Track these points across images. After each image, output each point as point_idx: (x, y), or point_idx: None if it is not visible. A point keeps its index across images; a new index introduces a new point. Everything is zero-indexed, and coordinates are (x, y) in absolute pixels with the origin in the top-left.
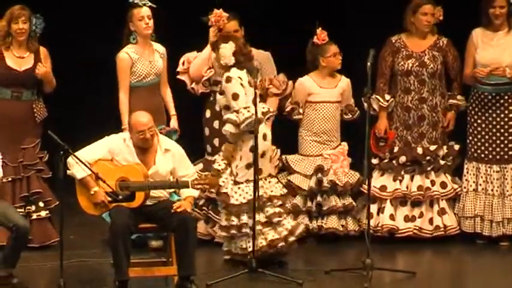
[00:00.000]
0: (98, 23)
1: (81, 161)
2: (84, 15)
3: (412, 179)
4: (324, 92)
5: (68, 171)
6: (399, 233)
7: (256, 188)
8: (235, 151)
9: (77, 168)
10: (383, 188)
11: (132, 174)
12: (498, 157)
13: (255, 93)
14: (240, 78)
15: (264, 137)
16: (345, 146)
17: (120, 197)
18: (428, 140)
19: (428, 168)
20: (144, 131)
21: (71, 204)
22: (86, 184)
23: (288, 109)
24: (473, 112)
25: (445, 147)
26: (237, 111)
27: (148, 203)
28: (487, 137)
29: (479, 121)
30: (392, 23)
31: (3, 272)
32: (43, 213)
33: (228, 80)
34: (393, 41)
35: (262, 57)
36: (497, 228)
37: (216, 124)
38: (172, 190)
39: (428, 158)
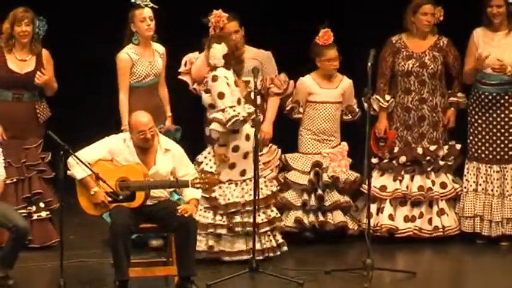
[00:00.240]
0: (98, 23)
1: (81, 161)
2: (84, 15)
3: (412, 179)
4: (324, 92)
5: (68, 172)
6: (399, 233)
7: (256, 187)
8: (227, 152)
9: (77, 168)
10: (383, 188)
11: (132, 174)
12: (498, 157)
13: (254, 92)
14: (226, 78)
15: (247, 137)
16: (344, 146)
17: (121, 197)
18: (428, 140)
19: (428, 169)
20: (144, 131)
21: (71, 204)
22: (86, 184)
23: (288, 108)
24: (473, 112)
25: (445, 147)
26: (222, 110)
27: (148, 203)
28: (487, 137)
29: (479, 121)
30: (392, 23)
31: (0, 272)
32: (44, 214)
33: (214, 79)
34: (393, 41)
35: (263, 56)
36: (497, 228)
37: None
38: (172, 190)
39: (428, 158)
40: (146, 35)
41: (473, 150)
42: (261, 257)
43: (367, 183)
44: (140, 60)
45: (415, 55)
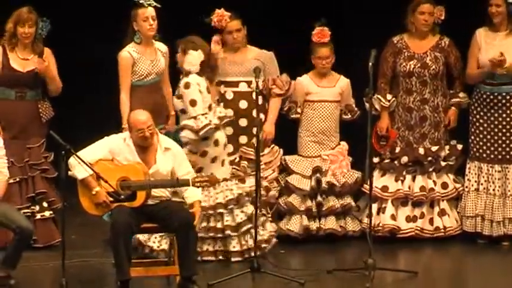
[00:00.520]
0: (97, 23)
1: (83, 161)
2: (83, 14)
3: (413, 179)
4: (322, 91)
5: (69, 172)
6: (401, 233)
7: (258, 187)
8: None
9: (78, 168)
10: (384, 188)
11: (132, 174)
12: (500, 157)
13: (256, 92)
14: (198, 85)
15: (216, 143)
16: (344, 145)
17: (122, 196)
18: (430, 141)
19: (430, 169)
20: (143, 129)
21: (72, 204)
22: (88, 184)
23: (285, 108)
24: (475, 112)
25: (447, 147)
26: (194, 118)
27: (150, 202)
28: (489, 136)
29: (481, 121)
30: (390, 23)
31: (2, 272)
32: (47, 213)
33: (187, 86)
34: (395, 41)
35: (265, 57)
36: (498, 228)
37: None
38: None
39: (429, 158)
40: (148, 35)
41: (475, 149)
42: (239, 258)
43: (368, 183)
44: (142, 58)
45: (416, 56)
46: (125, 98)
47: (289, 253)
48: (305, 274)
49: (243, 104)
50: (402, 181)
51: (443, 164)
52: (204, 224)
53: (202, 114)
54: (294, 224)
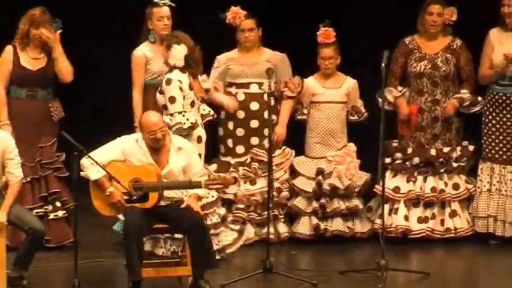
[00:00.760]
0: (95, 24)
1: (95, 162)
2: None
3: (425, 180)
4: (328, 92)
5: (81, 173)
6: (413, 234)
7: (271, 188)
8: None
9: (91, 169)
10: (396, 189)
11: (145, 175)
12: None
13: (268, 94)
14: (180, 82)
15: (199, 139)
16: (351, 146)
17: (134, 197)
18: (441, 142)
19: (441, 170)
20: (154, 131)
21: (85, 204)
22: (101, 185)
23: (292, 110)
24: (487, 112)
25: (458, 148)
26: (171, 115)
27: (162, 203)
28: (501, 137)
29: (493, 121)
30: (387, 24)
31: (15, 273)
32: (60, 213)
33: (168, 82)
34: (406, 42)
35: (277, 58)
36: (510, 229)
37: (230, 125)
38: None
39: (441, 159)
40: (163, 34)
41: (487, 150)
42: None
43: (380, 183)
44: (155, 57)
45: (427, 57)
46: (137, 97)
47: (300, 254)
48: (317, 275)
49: (254, 106)
50: (414, 182)
51: (454, 165)
52: None
53: (179, 112)
54: (303, 226)
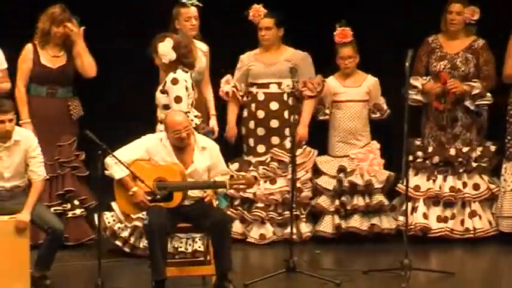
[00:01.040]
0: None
1: (119, 161)
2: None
3: (445, 179)
4: (348, 90)
5: (105, 172)
6: (432, 233)
7: (294, 187)
8: None
9: (115, 168)
10: (417, 187)
11: (169, 175)
12: None
13: (287, 94)
14: (185, 81)
15: None
16: (374, 144)
17: (158, 196)
18: (461, 142)
19: (460, 170)
20: (179, 130)
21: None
22: (125, 184)
23: (313, 110)
24: None
25: (480, 148)
26: None
27: (186, 203)
28: None
29: None
30: (392, 24)
31: (37, 273)
32: (78, 211)
33: (175, 81)
34: (429, 41)
35: (297, 58)
36: None
37: (251, 124)
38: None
39: (460, 159)
40: (190, 34)
41: (511, 150)
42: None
43: (403, 182)
44: None
45: (448, 56)
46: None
47: (323, 253)
48: (340, 274)
49: (274, 106)
50: (434, 181)
51: (474, 165)
52: None
53: (185, 112)
54: (326, 225)
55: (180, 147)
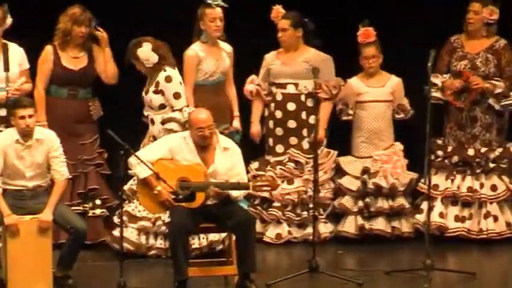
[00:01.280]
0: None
1: (141, 161)
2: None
3: (463, 179)
4: (372, 91)
5: (129, 171)
6: (449, 232)
7: (316, 187)
8: None
9: (139, 168)
10: (435, 186)
11: (192, 175)
12: None
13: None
14: (178, 77)
15: None
16: (397, 145)
17: (181, 196)
18: (480, 142)
19: (478, 171)
20: (203, 128)
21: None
22: (149, 183)
23: (337, 110)
24: None
25: (499, 149)
26: (179, 110)
27: (208, 202)
28: None
29: None
30: (394, 23)
31: (60, 272)
32: (98, 211)
33: (168, 79)
34: (452, 40)
35: (317, 59)
36: None
37: (270, 124)
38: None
39: (478, 160)
40: (215, 35)
41: None
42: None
43: (425, 181)
44: (207, 58)
45: (468, 56)
46: (188, 96)
47: (346, 254)
48: (363, 275)
49: (291, 106)
50: (452, 180)
51: (492, 166)
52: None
53: (187, 106)
54: (349, 225)
55: (203, 146)
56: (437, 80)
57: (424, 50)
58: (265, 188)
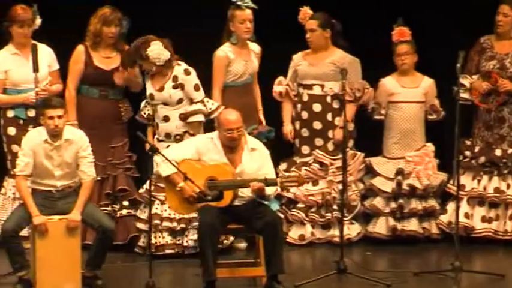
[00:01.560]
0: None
1: (169, 161)
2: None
3: (490, 180)
4: (405, 91)
5: (154, 170)
6: (475, 233)
7: (344, 188)
8: None
9: (163, 166)
10: (462, 186)
11: (220, 174)
12: None
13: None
14: None
15: None
16: (429, 147)
17: (209, 197)
18: (508, 143)
19: (505, 171)
20: (232, 129)
21: None
22: (172, 181)
23: (369, 109)
24: None
25: None
26: (201, 102)
27: (236, 203)
28: None
29: None
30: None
31: (88, 272)
32: (124, 212)
33: (188, 72)
34: (481, 41)
35: (343, 62)
36: None
37: (297, 125)
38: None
39: (505, 160)
40: (244, 37)
41: None
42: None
43: (454, 182)
44: (237, 59)
45: (497, 56)
46: (217, 97)
47: (374, 255)
48: (391, 276)
49: (317, 107)
50: (479, 181)
51: None
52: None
53: (202, 100)
54: (380, 226)
55: (231, 146)
56: (465, 81)
57: (453, 51)
58: (292, 184)
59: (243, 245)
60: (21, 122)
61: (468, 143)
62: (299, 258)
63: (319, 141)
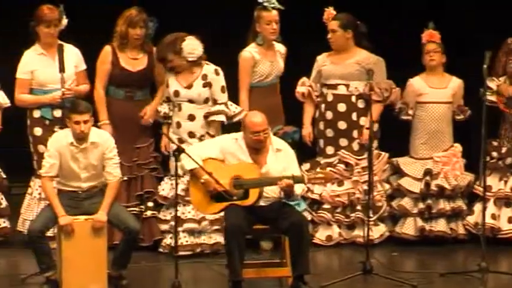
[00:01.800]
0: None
1: (195, 161)
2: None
3: None
4: (433, 92)
5: (178, 163)
6: (502, 234)
7: (370, 189)
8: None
9: (186, 160)
10: (488, 187)
11: (246, 172)
12: None
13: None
14: None
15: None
16: (457, 147)
17: (235, 197)
18: None
19: None
20: (258, 132)
21: None
22: (196, 174)
23: (396, 109)
24: None
25: None
26: (225, 104)
27: (262, 203)
28: None
29: None
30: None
31: (114, 272)
32: (149, 213)
33: (217, 72)
34: (509, 41)
35: (368, 62)
36: None
37: (321, 125)
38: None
39: None
40: (271, 38)
41: None
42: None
43: (480, 183)
44: (262, 60)
45: None
46: (244, 98)
47: (401, 255)
48: (417, 277)
49: (342, 107)
50: (506, 182)
51: None
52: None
53: (226, 102)
54: (409, 227)
55: (256, 148)
56: (492, 83)
57: (481, 52)
58: (319, 181)
59: (269, 245)
60: (47, 122)
61: (495, 144)
62: (325, 258)
63: (343, 142)
